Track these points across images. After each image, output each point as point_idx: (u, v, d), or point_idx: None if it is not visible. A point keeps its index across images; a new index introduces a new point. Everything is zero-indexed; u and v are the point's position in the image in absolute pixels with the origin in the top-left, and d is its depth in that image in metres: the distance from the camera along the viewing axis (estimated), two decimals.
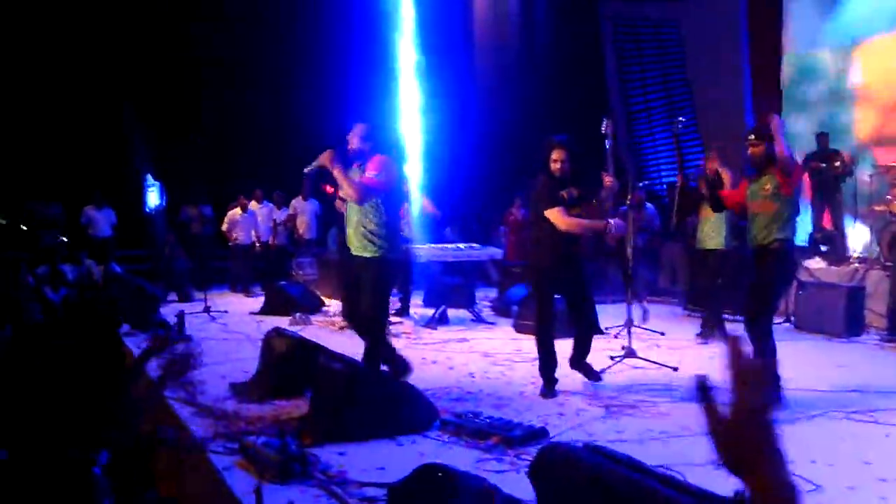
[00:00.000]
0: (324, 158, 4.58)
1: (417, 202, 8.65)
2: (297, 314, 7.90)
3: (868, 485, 3.18)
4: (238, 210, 11.48)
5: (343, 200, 4.89)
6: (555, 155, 4.72)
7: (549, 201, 4.67)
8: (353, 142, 4.70)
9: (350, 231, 4.71)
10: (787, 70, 11.29)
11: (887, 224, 7.87)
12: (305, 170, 4.77)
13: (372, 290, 4.52)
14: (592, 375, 4.91)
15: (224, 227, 11.56)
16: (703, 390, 1.02)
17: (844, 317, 6.89)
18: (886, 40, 9.70)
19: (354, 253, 4.72)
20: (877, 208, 8.20)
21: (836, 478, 3.25)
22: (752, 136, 4.58)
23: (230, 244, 11.49)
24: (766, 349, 4.30)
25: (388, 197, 4.64)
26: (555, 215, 4.63)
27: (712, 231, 6.64)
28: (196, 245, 11.38)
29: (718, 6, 11.77)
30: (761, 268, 4.52)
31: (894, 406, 4.39)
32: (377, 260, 4.60)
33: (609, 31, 13.93)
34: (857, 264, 7.97)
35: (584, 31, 13.67)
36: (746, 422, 0.99)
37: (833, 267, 7.97)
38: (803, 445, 3.62)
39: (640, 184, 8.66)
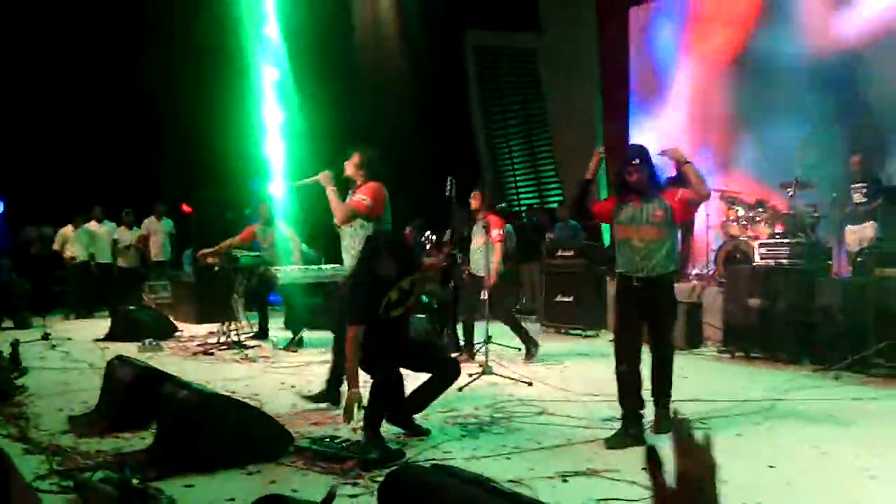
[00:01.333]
0: (322, 177, 4.91)
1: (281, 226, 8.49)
2: (147, 340, 7.49)
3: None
4: (70, 227, 10.80)
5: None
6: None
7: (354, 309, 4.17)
8: (349, 169, 4.99)
9: (344, 254, 5.05)
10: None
11: (722, 244, 8.56)
12: (295, 183, 5.19)
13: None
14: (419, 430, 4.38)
15: (56, 245, 10.83)
16: (652, 459, 1.06)
17: (685, 330, 7.40)
18: None
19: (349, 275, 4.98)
20: (712, 228, 8.91)
21: None
22: (637, 161, 4.26)
23: (66, 264, 10.77)
24: (670, 374, 4.39)
25: (375, 221, 4.85)
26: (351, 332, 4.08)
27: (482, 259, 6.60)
28: (35, 267, 10.59)
29: (574, 38, 12.44)
30: (659, 298, 4.29)
31: (725, 409, 4.76)
32: None
33: (472, 58, 14.38)
34: (695, 281, 8.60)
35: (450, 57, 14.04)
36: (689, 493, 1.03)
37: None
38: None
39: (500, 204, 8.87)
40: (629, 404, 4.22)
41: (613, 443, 4.06)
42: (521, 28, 13.39)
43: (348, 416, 3.97)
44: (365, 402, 3.97)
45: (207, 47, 12.02)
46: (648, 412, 4.32)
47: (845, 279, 7.19)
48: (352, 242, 4.89)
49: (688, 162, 4.27)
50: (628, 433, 4.11)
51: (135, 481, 3.15)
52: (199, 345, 7.71)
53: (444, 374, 4.35)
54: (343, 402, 4.03)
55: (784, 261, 7.11)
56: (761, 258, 7.28)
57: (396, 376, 4.15)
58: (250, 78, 12.93)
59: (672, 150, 4.40)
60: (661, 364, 4.38)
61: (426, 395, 4.36)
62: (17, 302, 9.83)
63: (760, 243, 7.45)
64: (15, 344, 6.64)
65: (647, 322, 4.34)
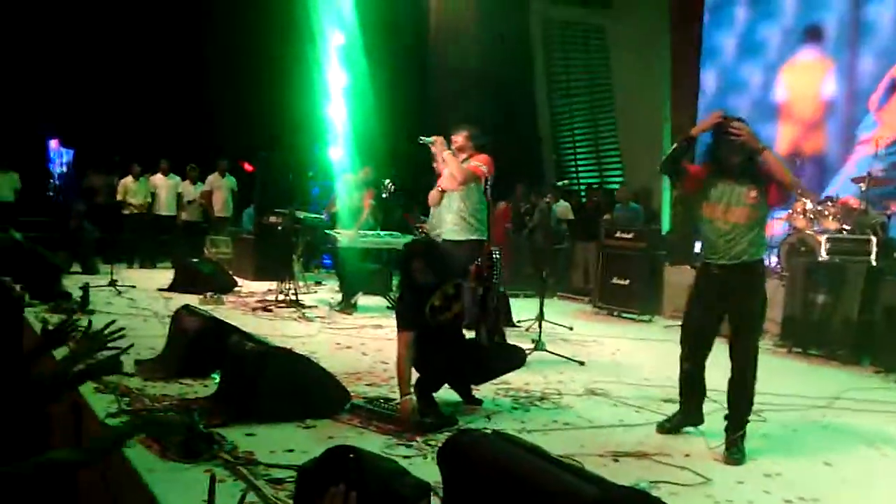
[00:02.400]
0: (439, 142, 5.46)
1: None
2: (209, 293, 7.72)
3: (755, 479, 3.39)
4: (130, 178, 11.12)
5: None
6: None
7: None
8: (458, 141, 5.52)
9: (449, 216, 5.53)
10: (709, 82, 11.78)
11: (786, 236, 8.35)
12: (420, 140, 5.57)
13: (463, 270, 4.45)
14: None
15: (119, 196, 11.18)
16: None
17: None
18: (810, 60, 10.28)
19: (447, 237, 5.48)
20: (778, 219, 8.68)
21: (725, 472, 3.45)
22: (737, 123, 3.77)
23: (125, 213, 11.11)
24: (754, 373, 3.81)
25: (481, 188, 5.49)
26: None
27: None
28: (102, 214, 10.98)
29: (644, 16, 12.14)
30: (743, 289, 3.80)
31: (781, 405, 4.69)
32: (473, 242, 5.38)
33: (538, 31, 14.19)
34: None
35: (516, 30, 13.88)
36: None
37: None
38: (699, 441, 3.83)
39: (559, 183, 8.82)
40: (687, 407, 4.00)
41: (666, 427, 4.04)
42: (589, 3, 13.14)
43: (407, 425, 3.78)
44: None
45: (274, 10, 12.16)
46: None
47: None
48: (462, 204, 5.46)
49: (765, 148, 3.81)
50: (683, 420, 4.00)
51: (200, 426, 3.29)
52: (258, 301, 7.91)
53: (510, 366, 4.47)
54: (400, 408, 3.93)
55: (850, 257, 6.90)
56: (827, 253, 7.08)
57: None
58: (316, 41, 13.04)
59: (746, 133, 3.76)
60: (741, 378, 3.78)
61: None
62: (86, 248, 10.23)
63: (828, 237, 7.24)
64: (85, 288, 6.94)
65: (728, 318, 3.90)
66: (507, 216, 10.77)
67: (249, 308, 7.53)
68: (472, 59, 13.30)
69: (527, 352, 5.59)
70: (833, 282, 6.73)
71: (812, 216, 8.13)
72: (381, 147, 12.19)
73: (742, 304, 3.80)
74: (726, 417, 3.79)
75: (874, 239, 6.96)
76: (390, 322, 6.99)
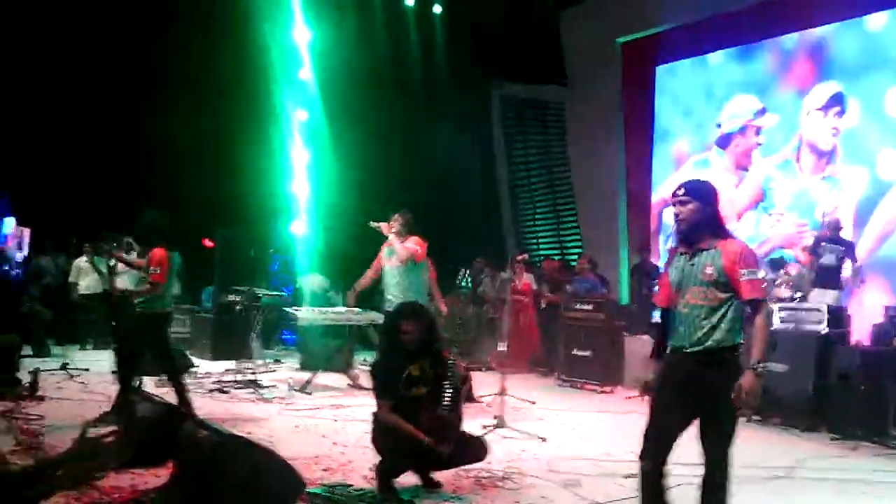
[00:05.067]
0: (384, 226, 6.49)
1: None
2: (164, 375, 7.52)
3: None
4: (84, 259, 10.94)
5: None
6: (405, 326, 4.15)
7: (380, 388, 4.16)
8: (395, 226, 6.52)
9: (392, 289, 6.47)
10: (662, 155, 12.21)
11: None
12: (370, 224, 6.63)
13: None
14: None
15: (71, 277, 10.95)
16: None
17: None
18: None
19: (387, 308, 6.26)
20: None
21: None
22: (681, 191, 3.36)
23: (77, 296, 10.86)
24: (725, 474, 3.27)
25: (420, 265, 6.62)
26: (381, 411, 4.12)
27: None
28: (52, 296, 10.76)
29: (599, 93, 12.61)
30: (709, 382, 3.20)
31: (740, 476, 4.69)
32: None
33: (497, 108, 14.61)
34: None
35: (476, 106, 14.29)
36: None
37: None
38: None
39: (519, 256, 8.94)
40: None
41: None
42: (547, 81, 13.61)
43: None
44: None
45: (237, 88, 12.33)
46: None
47: (863, 347, 7.12)
48: (400, 280, 6.35)
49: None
50: None
51: None
52: (214, 382, 7.74)
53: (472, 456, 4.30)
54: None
55: (804, 325, 7.06)
56: (781, 322, 7.23)
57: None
58: (279, 119, 13.25)
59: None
60: (710, 485, 3.26)
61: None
62: (37, 330, 9.95)
63: (781, 307, 7.41)
64: (35, 373, 6.73)
65: (698, 416, 3.26)
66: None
67: (206, 389, 7.37)
68: (431, 138, 13.57)
69: (488, 428, 5.61)
70: (787, 350, 6.86)
71: (766, 284, 8.34)
72: (343, 223, 12.28)
73: (710, 398, 3.19)
74: None
75: (825, 308, 7.14)
76: (350, 401, 6.96)
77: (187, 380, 7.88)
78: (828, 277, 8.13)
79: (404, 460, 4.06)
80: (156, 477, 4.26)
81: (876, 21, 9.56)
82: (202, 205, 12.21)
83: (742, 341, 3.27)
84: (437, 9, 13.07)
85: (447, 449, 4.02)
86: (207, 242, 12.22)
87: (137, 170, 12.42)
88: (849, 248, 8.33)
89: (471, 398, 6.97)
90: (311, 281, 10.57)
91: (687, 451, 3.28)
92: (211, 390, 7.34)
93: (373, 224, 6.48)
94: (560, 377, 8.92)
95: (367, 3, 12.81)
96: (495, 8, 12.25)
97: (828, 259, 8.18)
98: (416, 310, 4.33)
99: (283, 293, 8.70)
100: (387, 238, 6.60)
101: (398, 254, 6.44)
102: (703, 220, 3.31)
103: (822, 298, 7.82)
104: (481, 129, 14.49)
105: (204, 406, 6.38)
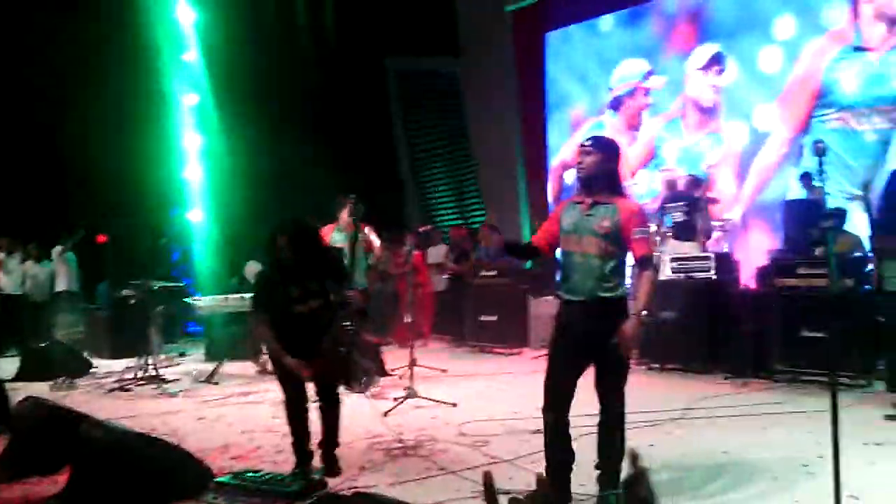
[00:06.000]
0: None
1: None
2: (60, 379, 7.20)
3: None
4: None
5: None
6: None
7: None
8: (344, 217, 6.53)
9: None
10: (556, 119, 12.45)
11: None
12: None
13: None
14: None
15: None
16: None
17: None
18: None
19: None
20: None
21: None
22: (588, 143, 3.47)
23: None
24: (621, 444, 3.41)
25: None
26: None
27: None
28: None
29: (492, 62, 12.70)
30: (603, 330, 3.31)
31: (637, 422, 4.91)
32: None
33: (395, 83, 14.51)
34: None
35: (372, 81, 14.12)
36: None
37: None
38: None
39: (421, 229, 8.97)
40: (556, 462, 3.44)
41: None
42: (441, 53, 13.60)
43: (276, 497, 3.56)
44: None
45: (121, 73, 11.73)
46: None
47: (749, 290, 7.55)
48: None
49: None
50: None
51: None
52: (115, 381, 7.45)
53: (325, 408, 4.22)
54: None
55: (694, 274, 7.41)
56: (673, 272, 7.57)
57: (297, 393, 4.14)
58: (168, 104, 12.70)
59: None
60: (607, 428, 3.42)
61: (324, 432, 4.23)
62: None
63: (672, 258, 7.74)
64: None
65: (592, 363, 3.40)
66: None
67: (106, 390, 7.08)
68: (330, 111, 13.36)
69: (399, 399, 5.65)
70: (681, 298, 7.21)
71: (657, 237, 8.71)
72: (241, 208, 11.97)
73: (601, 346, 3.31)
74: (598, 466, 3.46)
75: (713, 256, 7.52)
76: (259, 387, 6.85)
77: (87, 381, 7.62)
78: (681, 231, 8.63)
79: (281, 372, 4.11)
80: (53, 485, 4.08)
81: None
82: (93, 198, 11.63)
83: (630, 292, 3.43)
84: None
85: (308, 375, 4.05)
86: (101, 238, 11.68)
87: (23, 163, 11.69)
88: (692, 203, 8.77)
89: (384, 372, 7.00)
90: (250, 270, 10.27)
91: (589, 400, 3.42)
92: (111, 390, 7.07)
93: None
94: (470, 343, 9.06)
95: None
96: None
97: (676, 216, 8.71)
98: (296, 228, 4.10)
99: (181, 283, 8.42)
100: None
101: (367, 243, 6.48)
102: (603, 172, 3.42)
103: (679, 250, 8.32)
104: (379, 104, 14.36)
105: (105, 407, 6.14)
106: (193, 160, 12.95)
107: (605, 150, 3.47)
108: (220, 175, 12.72)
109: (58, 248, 10.83)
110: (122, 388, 7.05)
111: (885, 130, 8.77)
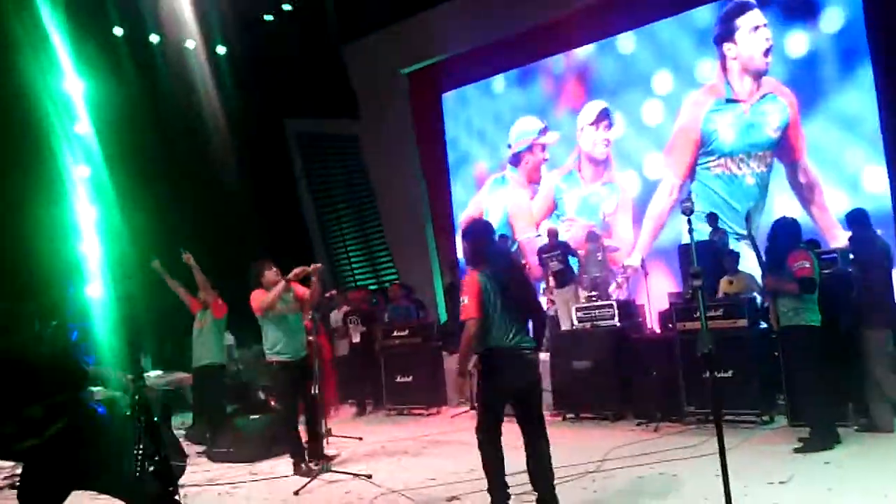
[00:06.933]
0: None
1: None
2: None
3: None
4: None
5: None
6: None
7: None
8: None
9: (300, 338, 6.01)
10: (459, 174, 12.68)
11: (546, 310, 9.04)
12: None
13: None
14: None
15: None
16: None
17: None
18: None
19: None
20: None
21: None
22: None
23: None
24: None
25: None
26: None
27: None
28: None
29: (391, 123, 12.88)
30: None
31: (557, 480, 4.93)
32: None
33: (295, 145, 14.45)
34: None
35: (273, 143, 14.02)
36: None
37: None
38: None
39: (329, 294, 8.84)
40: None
41: None
42: (340, 115, 13.69)
43: None
44: None
45: (7, 147, 11.22)
46: None
47: (654, 335, 7.80)
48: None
49: None
50: None
51: None
52: (4, 478, 6.90)
53: None
54: None
55: (599, 322, 7.59)
56: (579, 321, 7.73)
57: None
58: (59, 177, 12.19)
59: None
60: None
61: None
62: None
63: (576, 307, 7.92)
64: None
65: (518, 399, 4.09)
66: None
67: None
68: (232, 177, 13.13)
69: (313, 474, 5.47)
70: (590, 347, 7.35)
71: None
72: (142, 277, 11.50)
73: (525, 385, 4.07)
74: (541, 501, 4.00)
75: (615, 304, 7.74)
76: None
77: None
78: (562, 279, 9.23)
79: None
80: None
81: (625, 43, 10.65)
82: None
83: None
84: (221, 49, 12.72)
85: None
86: None
87: None
88: (563, 249, 9.46)
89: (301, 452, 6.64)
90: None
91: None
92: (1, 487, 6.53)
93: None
94: (387, 406, 8.93)
95: (143, 47, 12.22)
96: (280, 47, 12.16)
97: (554, 265, 9.27)
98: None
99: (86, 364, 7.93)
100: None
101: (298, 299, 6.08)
102: (466, 253, 4.37)
103: (564, 296, 8.96)
104: (282, 167, 14.24)
105: None
106: (89, 232, 12.42)
107: (464, 236, 4.44)
108: (116, 246, 12.22)
109: None
110: (12, 486, 6.52)
111: (762, 174, 9.39)
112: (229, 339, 9.68)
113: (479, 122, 12.46)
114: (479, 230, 4.38)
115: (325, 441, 6.31)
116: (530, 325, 4.23)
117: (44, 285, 11.58)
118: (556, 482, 4.11)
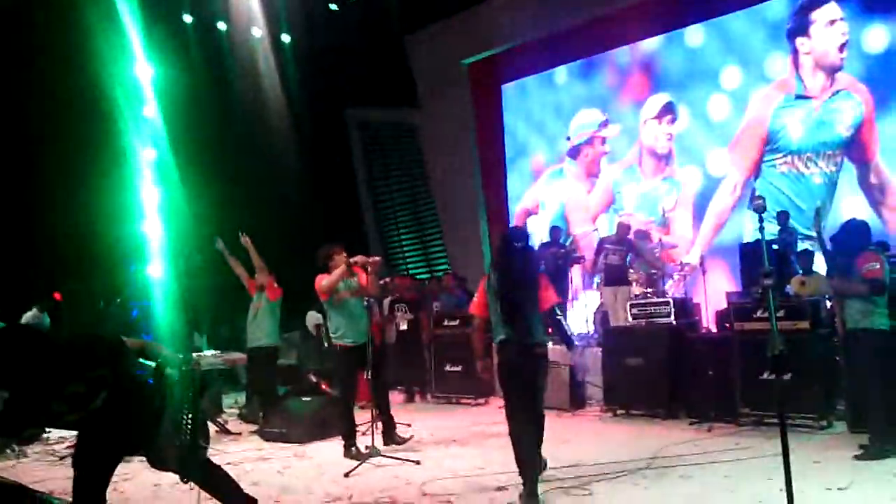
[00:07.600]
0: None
1: None
2: (8, 447, 6.89)
3: None
4: None
5: None
6: None
7: None
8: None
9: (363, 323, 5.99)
10: (515, 167, 12.62)
11: (599, 305, 8.93)
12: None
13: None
14: None
15: None
16: None
17: (568, 392, 7.61)
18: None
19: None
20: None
21: None
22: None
23: None
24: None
25: None
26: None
27: None
28: None
29: (451, 113, 12.88)
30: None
31: (604, 474, 4.88)
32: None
33: (356, 133, 14.61)
34: (576, 342, 8.87)
35: (334, 132, 14.20)
36: None
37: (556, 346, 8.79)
38: None
39: (383, 280, 8.89)
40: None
41: None
42: (400, 104, 13.77)
43: None
44: None
45: (79, 130, 11.63)
46: None
47: (710, 334, 7.62)
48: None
49: None
50: None
51: None
52: (68, 446, 7.17)
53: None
54: None
55: (654, 319, 7.45)
56: (633, 318, 7.61)
57: None
58: (126, 159, 12.57)
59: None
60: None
61: None
62: None
63: (631, 304, 7.80)
64: None
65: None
66: None
67: (58, 457, 6.81)
68: (292, 164, 13.36)
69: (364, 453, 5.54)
70: (643, 344, 7.23)
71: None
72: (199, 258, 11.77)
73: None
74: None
75: (672, 301, 7.59)
76: (218, 448, 6.62)
77: (38, 447, 7.32)
78: (615, 276, 8.84)
79: None
80: None
81: (694, 36, 10.39)
82: (49, 255, 11.39)
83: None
84: (286, 38, 12.91)
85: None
86: (56, 295, 11.41)
87: None
88: (628, 247, 9.05)
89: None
90: (311, 319, 10.14)
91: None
92: (63, 457, 6.79)
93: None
94: (435, 395, 8.96)
95: (213, 36, 12.49)
96: (343, 37, 12.27)
97: (613, 259, 8.92)
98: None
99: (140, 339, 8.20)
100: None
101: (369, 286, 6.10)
102: None
103: (613, 295, 8.56)
104: (341, 154, 14.41)
105: (56, 476, 5.87)
106: (152, 214, 12.79)
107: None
108: (178, 228, 12.56)
109: (31, 313, 10.47)
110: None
111: (831, 173, 9.05)
112: None
113: (538, 114, 12.36)
114: (501, 238, 4.93)
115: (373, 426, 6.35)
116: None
117: (109, 264, 12.01)
118: (609, 476, 4.06)
